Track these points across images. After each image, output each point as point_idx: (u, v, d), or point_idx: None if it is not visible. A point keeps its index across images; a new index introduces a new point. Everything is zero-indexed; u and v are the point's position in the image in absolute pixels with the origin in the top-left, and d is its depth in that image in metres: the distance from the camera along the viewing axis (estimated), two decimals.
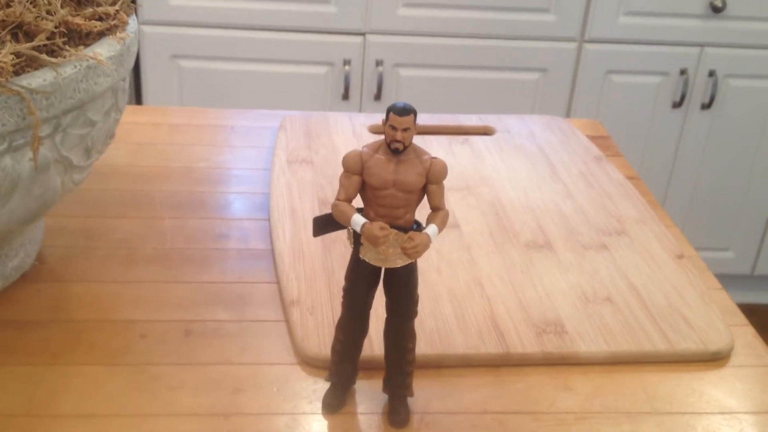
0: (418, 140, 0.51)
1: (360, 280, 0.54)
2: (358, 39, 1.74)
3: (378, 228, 0.50)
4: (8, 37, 0.55)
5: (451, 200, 0.82)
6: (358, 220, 0.50)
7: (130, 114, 0.96)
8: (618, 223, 0.80)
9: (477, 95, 1.80)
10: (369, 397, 0.59)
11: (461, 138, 0.95)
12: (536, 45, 1.77)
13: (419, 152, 0.51)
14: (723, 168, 1.93)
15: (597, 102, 1.83)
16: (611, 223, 0.80)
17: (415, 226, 0.52)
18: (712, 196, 1.96)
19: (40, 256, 0.72)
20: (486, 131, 0.98)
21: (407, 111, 0.49)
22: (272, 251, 0.75)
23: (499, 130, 0.98)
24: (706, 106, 1.84)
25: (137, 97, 1.79)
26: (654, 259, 0.75)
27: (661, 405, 0.60)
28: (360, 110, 1.78)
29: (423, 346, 0.62)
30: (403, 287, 0.54)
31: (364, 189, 0.51)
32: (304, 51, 1.74)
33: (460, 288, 0.70)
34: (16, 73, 0.54)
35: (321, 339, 0.63)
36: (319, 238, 0.72)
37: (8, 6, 0.56)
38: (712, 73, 1.81)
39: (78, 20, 0.59)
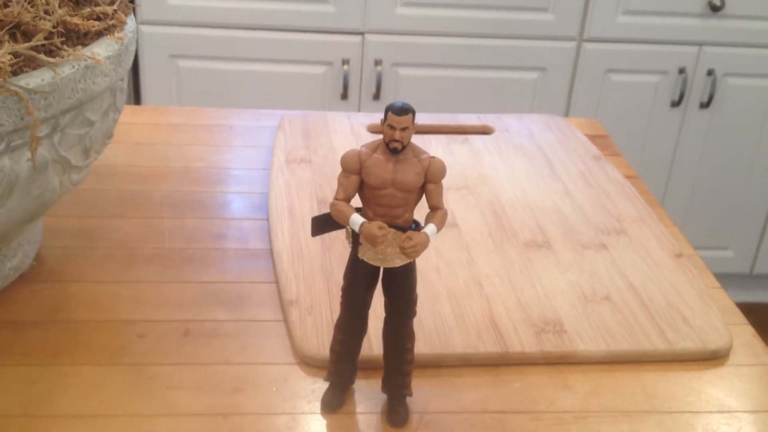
0: (416, 139, 0.51)
1: (359, 279, 0.54)
2: (357, 38, 1.73)
3: (376, 227, 0.50)
4: (6, 37, 0.55)
5: (450, 200, 0.82)
6: (356, 220, 0.50)
7: (129, 114, 0.96)
8: (617, 223, 0.80)
9: (476, 94, 1.80)
10: (368, 396, 0.59)
11: (460, 137, 0.95)
12: (535, 44, 1.77)
13: (418, 151, 0.51)
14: (722, 167, 1.93)
15: (596, 101, 1.83)
16: (610, 223, 0.80)
17: (413, 226, 0.52)
18: (710, 195, 1.96)
19: (38, 257, 0.71)
20: (485, 130, 0.98)
21: (406, 110, 0.49)
22: (271, 251, 0.75)
23: (497, 129, 0.98)
24: (705, 105, 1.84)
25: (136, 97, 1.79)
26: (653, 258, 0.75)
27: (660, 404, 0.60)
28: (359, 110, 1.78)
29: (422, 346, 0.62)
30: (401, 287, 0.54)
31: (362, 188, 0.51)
32: (302, 51, 1.74)
33: (459, 287, 0.70)
34: (14, 73, 0.54)
35: (320, 339, 0.63)
36: (317, 237, 0.72)
37: (6, 6, 0.56)
38: (710, 72, 1.81)
39: (76, 20, 0.59)
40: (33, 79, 0.54)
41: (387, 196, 0.51)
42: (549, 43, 1.77)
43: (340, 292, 0.55)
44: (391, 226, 0.51)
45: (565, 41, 1.77)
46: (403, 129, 0.49)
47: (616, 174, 0.89)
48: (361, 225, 0.50)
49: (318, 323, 0.64)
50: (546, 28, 1.75)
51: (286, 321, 0.66)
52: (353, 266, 0.53)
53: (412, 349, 0.56)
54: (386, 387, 0.57)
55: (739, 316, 0.70)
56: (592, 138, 0.98)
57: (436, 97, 1.79)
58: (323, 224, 0.54)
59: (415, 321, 0.55)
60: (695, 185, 1.94)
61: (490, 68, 1.78)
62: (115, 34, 0.62)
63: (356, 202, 0.52)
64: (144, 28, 1.69)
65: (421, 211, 0.52)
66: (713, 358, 0.65)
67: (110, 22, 0.62)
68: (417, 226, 0.52)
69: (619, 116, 1.83)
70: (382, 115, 0.50)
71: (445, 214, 0.52)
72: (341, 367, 0.57)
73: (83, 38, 0.60)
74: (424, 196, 0.52)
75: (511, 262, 0.74)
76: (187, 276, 0.71)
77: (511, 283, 0.71)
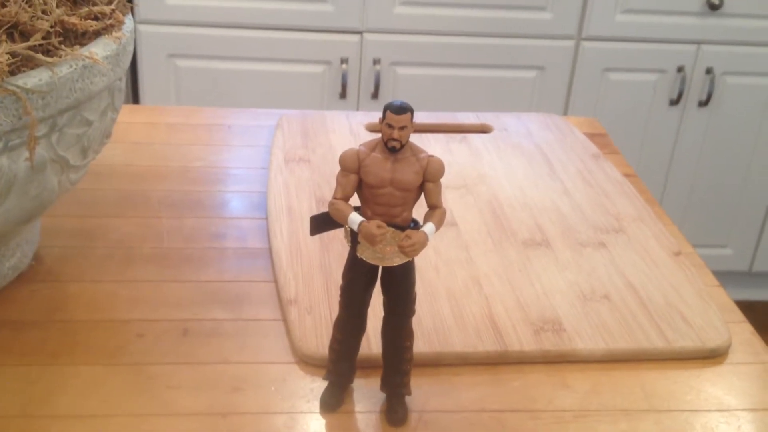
0: (415, 138, 0.51)
1: (357, 278, 0.54)
2: (355, 37, 1.73)
3: (375, 226, 0.50)
4: (4, 36, 0.55)
5: (449, 198, 0.82)
6: (355, 219, 0.50)
7: (127, 113, 0.95)
8: (615, 221, 0.80)
9: (474, 93, 1.80)
10: (367, 395, 0.59)
11: (459, 136, 0.95)
12: (533, 43, 1.77)
13: (416, 150, 0.51)
14: (720, 165, 1.93)
15: (594, 100, 1.83)
16: (609, 221, 0.80)
17: (412, 225, 0.52)
18: (709, 193, 1.96)
19: (36, 257, 0.71)
20: (483, 129, 0.98)
21: (404, 109, 0.49)
22: (270, 250, 0.74)
23: (496, 128, 0.98)
24: (704, 104, 1.84)
25: (134, 97, 1.79)
26: (651, 256, 0.75)
27: (658, 402, 0.60)
28: (357, 109, 1.78)
29: (421, 345, 0.62)
30: (400, 286, 0.54)
31: (361, 187, 0.51)
32: (301, 50, 1.73)
33: (457, 286, 0.70)
34: (12, 73, 0.54)
35: (319, 338, 0.63)
36: (316, 236, 0.72)
37: (4, 6, 0.56)
38: (709, 71, 1.81)
39: (74, 20, 0.59)
40: (31, 79, 0.54)
41: (385, 195, 0.51)
42: (547, 41, 1.77)
43: (338, 291, 0.55)
44: (389, 225, 0.51)
45: (564, 40, 1.77)
46: (402, 128, 0.49)
47: (615, 173, 0.89)
48: (360, 224, 0.50)
49: (317, 322, 0.64)
50: (544, 26, 1.75)
51: (284, 320, 0.66)
52: (352, 265, 0.53)
53: (411, 348, 0.56)
54: (385, 386, 0.57)
55: (738, 314, 0.70)
56: (591, 137, 0.98)
57: (434, 96, 1.79)
58: (322, 223, 0.54)
59: (414, 320, 0.55)
60: (694, 183, 1.94)
61: (489, 67, 1.78)
62: (113, 33, 0.62)
63: (355, 201, 0.52)
64: (142, 28, 1.69)
65: (419, 210, 0.52)
66: (712, 356, 0.65)
67: (108, 22, 0.62)
68: (416, 225, 0.52)
69: (618, 115, 1.83)
70: (380, 114, 0.50)
71: (444, 213, 0.52)
72: (340, 366, 0.57)
73: (81, 38, 0.60)
74: (422, 195, 0.52)
75: (509, 261, 0.74)
76: (185, 275, 0.71)
77: (510, 282, 0.71)
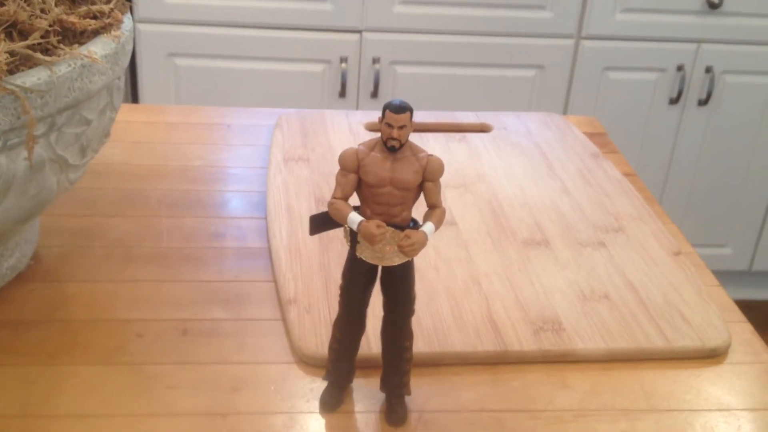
0: (414, 138, 0.51)
1: (357, 278, 0.53)
2: (355, 36, 1.73)
3: (375, 226, 0.50)
4: (2, 35, 0.55)
5: (448, 198, 0.82)
6: (354, 218, 0.50)
7: (126, 112, 0.95)
8: (615, 220, 0.80)
9: (474, 92, 1.80)
10: (366, 395, 0.59)
11: (458, 135, 0.95)
12: (533, 42, 1.77)
13: (416, 150, 0.51)
14: (720, 164, 1.93)
15: (594, 99, 1.83)
16: (608, 220, 0.80)
17: (411, 224, 0.52)
18: (709, 192, 1.96)
19: (35, 256, 0.71)
20: (483, 128, 0.98)
21: (403, 108, 0.49)
22: (269, 250, 0.74)
23: (496, 127, 0.98)
24: (703, 103, 1.84)
25: (133, 96, 1.79)
26: (651, 256, 0.75)
27: (658, 402, 0.60)
28: (357, 108, 1.78)
29: (420, 345, 0.62)
30: (400, 285, 0.53)
31: (360, 187, 0.51)
32: (300, 49, 1.73)
33: (457, 286, 0.70)
34: (11, 72, 0.54)
35: (318, 338, 0.63)
36: (315, 236, 0.72)
37: (2, 5, 0.56)
38: (708, 70, 1.81)
39: (72, 18, 0.59)
40: (29, 78, 0.54)
41: (385, 195, 0.50)
42: (547, 40, 1.77)
43: (338, 291, 0.55)
44: (389, 224, 0.50)
45: (563, 39, 1.77)
46: (401, 127, 0.49)
47: (615, 172, 0.89)
48: (359, 223, 0.50)
49: (316, 322, 0.64)
50: (544, 25, 1.75)
51: (284, 320, 0.66)
52: (351, 265, 0.53)
53: (410, 347, 0.56)
54: (385, 386, 0.57)
55: (738, 314, 0.70)
56: (591, 136, 0.98)
57: (434, 95, 1.79)
58: (321, 223, 0.54)
59: (414, 320, 0.55)
60: (693, 183, 1.94)
61: (488, 66, 1.78)
62: (112, 32, 0.62)
63: (354, 200, 0.51)
64: (141, 27, 1.69)
65: (419, 210, 0.52)
66: (712, 356, 0.65)
67: (107, 21, 0.62)
68: (415, 225, 0.52)
69: (618, 114, 1.83)
70: (380, 113, 0.50)
71: (443, 212, 0.52)
72: (340, 366, 0.57)
73: (80, 37, 0.60)
74: (422, 195, 0.52)
75: (509, 260, 0.74)
76: (185, 275, 0.71)
77: (510, 281, 0.71)
